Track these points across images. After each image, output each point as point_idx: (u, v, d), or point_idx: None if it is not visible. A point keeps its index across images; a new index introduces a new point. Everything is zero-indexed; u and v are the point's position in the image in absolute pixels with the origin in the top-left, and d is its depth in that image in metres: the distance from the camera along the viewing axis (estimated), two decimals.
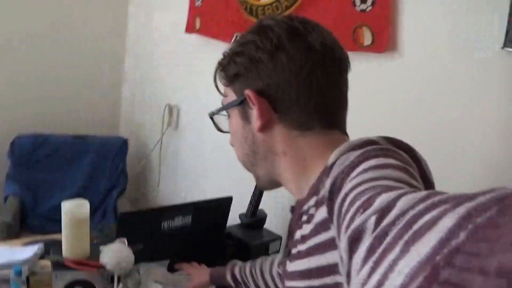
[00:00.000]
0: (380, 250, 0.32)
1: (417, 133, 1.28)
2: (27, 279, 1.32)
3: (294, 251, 0.70)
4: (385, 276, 0.30)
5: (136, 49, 2.89)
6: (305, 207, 0.70)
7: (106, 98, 2.99)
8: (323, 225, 0.60)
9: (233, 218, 1.67)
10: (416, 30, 1.36)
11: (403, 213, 0.33)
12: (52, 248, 1.39)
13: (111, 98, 3.01)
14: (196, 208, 1.50)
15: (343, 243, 0.41)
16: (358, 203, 0.43)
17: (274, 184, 0.81)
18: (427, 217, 0.30)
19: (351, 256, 0.38)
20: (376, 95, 1.49)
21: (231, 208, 1.61)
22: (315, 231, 0.62)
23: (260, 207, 1.71)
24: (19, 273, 1.22)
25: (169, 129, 2.58)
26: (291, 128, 0.72)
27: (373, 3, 1.42)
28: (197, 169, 2.41)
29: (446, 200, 0.31)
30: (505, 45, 1.11)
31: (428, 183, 0.59)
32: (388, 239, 0.32)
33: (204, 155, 2.34)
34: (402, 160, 0.55)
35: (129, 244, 1.30)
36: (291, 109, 0.71)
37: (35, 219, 2.43)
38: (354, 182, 0.50)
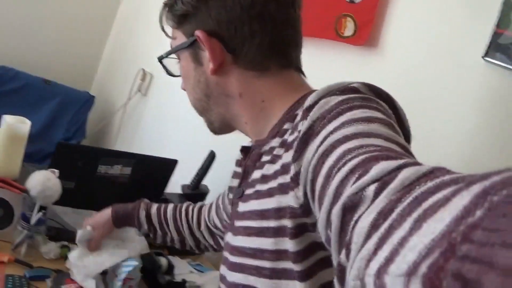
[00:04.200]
0: (385, 225, 0.31)
1: None
2: None
3: (250, 191, 0.68)
4: (394, 253, 0.28)
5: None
6: (266, 147, 0.68)
7: (87, 51, 2.91)
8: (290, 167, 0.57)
9: (173, 186, 1.58)
10: (398, 30, 1.33)
11: (408, 189, 0.32)
12: None
13: (91, 52, 2.93)
14: (138, 161, 1.40)
15: (335, 208, 0.39)
16: (350, 164, 0.41)
17: (227, 128, 0.78)
18: (438, 195, 0.29)
19: (344, 225, 0.37)
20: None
21: (175, 174, 1.51)
22: (282, 171, 0.60)
23: (205, 183, 1.60)
24: None
25: (138, 95, 2.54)
26: (246, 69, 0.69)
27: None
28: (153, 138, 2.37)
29: (457, 179, 0.29)
30: (486, 55, 1.09)
31: (406, 134, 0.58)
32: (394, 215, 0.31)
33: (166, 126, 2.29)
34: (386, 113, 0.53)
35: (61, 179, 1.22)
36: (245, 48, 0.68)
37: None
38: (340, 134, 0.47)
